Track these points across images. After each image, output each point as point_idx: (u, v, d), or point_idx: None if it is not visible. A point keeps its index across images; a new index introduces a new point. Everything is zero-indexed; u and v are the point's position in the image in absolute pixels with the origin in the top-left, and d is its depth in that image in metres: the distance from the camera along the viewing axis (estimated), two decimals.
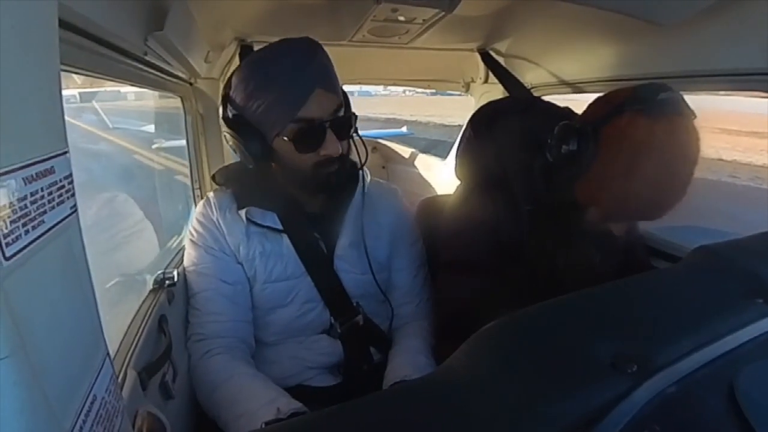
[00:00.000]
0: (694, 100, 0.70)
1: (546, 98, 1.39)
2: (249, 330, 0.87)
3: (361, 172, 0.90)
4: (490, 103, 1.00)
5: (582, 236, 0.81)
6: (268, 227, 0.85)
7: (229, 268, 0.85)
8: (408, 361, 0.84)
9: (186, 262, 0.88)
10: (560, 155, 0.75)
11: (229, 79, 0.82)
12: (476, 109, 1.00)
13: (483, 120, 0.95)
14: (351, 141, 0.85)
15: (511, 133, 0.89)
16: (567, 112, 0.93)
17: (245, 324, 0.86)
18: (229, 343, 0.82)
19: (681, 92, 0.69)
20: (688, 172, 0.69)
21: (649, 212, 0.74)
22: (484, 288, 0.82)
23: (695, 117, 0.69)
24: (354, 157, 0.87)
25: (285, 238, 0.86)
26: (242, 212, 0.84)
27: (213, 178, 0.91)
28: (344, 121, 0.81)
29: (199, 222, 0.87)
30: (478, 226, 0.85)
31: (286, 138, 0.77)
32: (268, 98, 0.76)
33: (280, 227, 0.85)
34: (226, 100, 0.82)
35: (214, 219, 0.86)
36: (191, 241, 0.87)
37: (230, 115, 0.81)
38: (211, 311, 0.84)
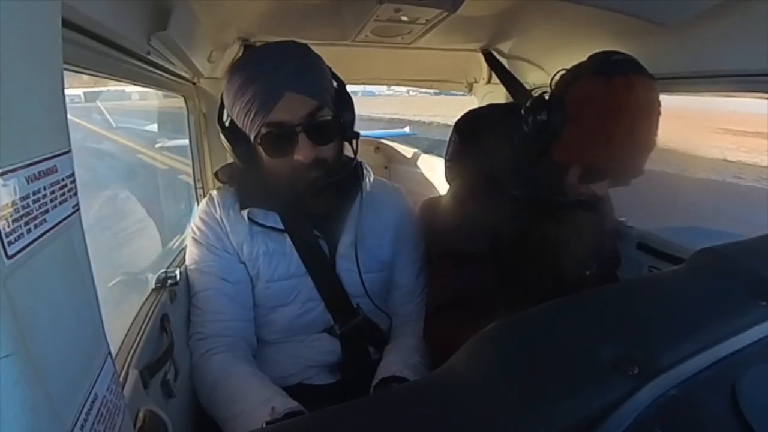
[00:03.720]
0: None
1: None
2: (250, 329, 0.87)
3: (361, 171, 0.90)
4: (470, 111, 1.03)
5: (577, 239, 0.85)
6: (270, 227, 0.85)
7: (231, 267, 0.85)
8: (401, 359, 0.84)
9: (188, 261, 0.88)
10: (535, 125, 0.82)
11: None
12: (459, 116, 1.03)
13: (467, 125, 1.00)
14: (350, 144, 0.85)
15: (495, 133, 0.94)
16: None
17: (247, 323, 0.86)
18: (230, 342, 0.83)
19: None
20: (651, 124, 0.75)
21: (621, 165, 0.78)
22: (476, 278, 0.86)
23: (653, 79, 0.76)
24: (354, 158, 0.88)
25: (288, 238, 0.86)
26: (244, 213, 0.84)
27: (216, 175, 0.91)
28: (321, 126, 0.77)
29: (202, 220, 0.87)
30: (472, 221, 0.88)
31: (259, 143, 0.77)
32: (246, 102, 0.75)
33: (282, 227, 0.85)
34: (221, 102, 0.82)
35: (218, 217, 0.86)
36: (194, 239, 0.88)
37: (225, 116, 0.82)
38: (213, 310, 0.84)
